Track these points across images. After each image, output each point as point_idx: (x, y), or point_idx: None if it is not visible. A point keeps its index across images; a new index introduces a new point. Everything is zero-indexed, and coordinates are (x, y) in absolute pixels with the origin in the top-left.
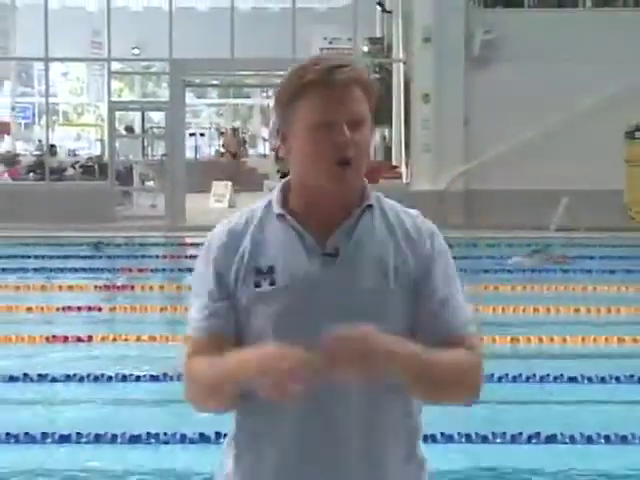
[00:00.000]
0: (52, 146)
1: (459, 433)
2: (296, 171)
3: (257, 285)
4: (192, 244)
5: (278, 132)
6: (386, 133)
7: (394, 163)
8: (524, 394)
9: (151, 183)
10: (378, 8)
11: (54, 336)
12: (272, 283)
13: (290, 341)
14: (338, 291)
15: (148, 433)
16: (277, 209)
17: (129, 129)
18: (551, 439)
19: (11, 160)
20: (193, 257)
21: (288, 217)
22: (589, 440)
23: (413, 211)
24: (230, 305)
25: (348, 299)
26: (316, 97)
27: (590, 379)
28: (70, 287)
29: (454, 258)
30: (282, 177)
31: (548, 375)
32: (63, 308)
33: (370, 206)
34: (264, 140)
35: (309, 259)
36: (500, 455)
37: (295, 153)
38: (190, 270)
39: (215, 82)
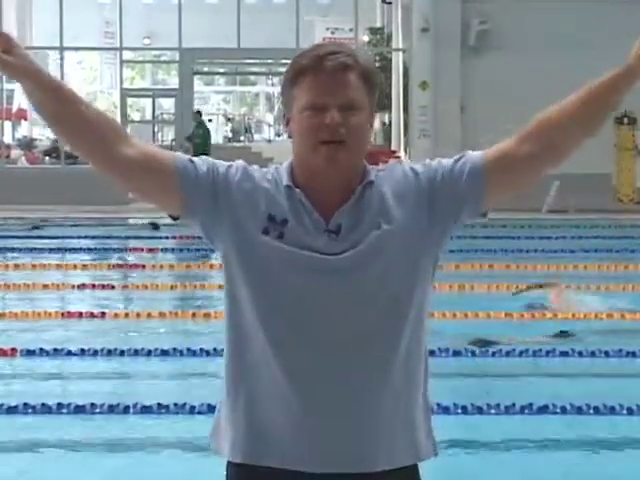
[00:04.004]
0: None
1: (455, 404)
2: (296, 152)
3: (265, 232)
4: None
5: (284, 117)
6: (386, 119)
7: (393, 148)
8: (517, 368)
9: None
10: None
11: (69, 312)
12: (280, 236)
13: (293, 288)
14: (341, 264)
15: (159, 404)
16: (286, 180)
17: None
18: (542, 410)
19: (28, 145)
20: (201, 238)
21: (296, 190)
22: (579, 411)
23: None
24: (204, 189)
25: (351, 280)
26: (309, 81)
27: (580, 353)
28: (84, 266)
29: (451, 238)
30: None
31: (540, 350)
32: (78, 286)
33: (371, 182)
34: (269, 126)
35: (315, 232)
36: (494, 425)
37: (294, 134)
38: (199, 250)
39: (222, 70)
